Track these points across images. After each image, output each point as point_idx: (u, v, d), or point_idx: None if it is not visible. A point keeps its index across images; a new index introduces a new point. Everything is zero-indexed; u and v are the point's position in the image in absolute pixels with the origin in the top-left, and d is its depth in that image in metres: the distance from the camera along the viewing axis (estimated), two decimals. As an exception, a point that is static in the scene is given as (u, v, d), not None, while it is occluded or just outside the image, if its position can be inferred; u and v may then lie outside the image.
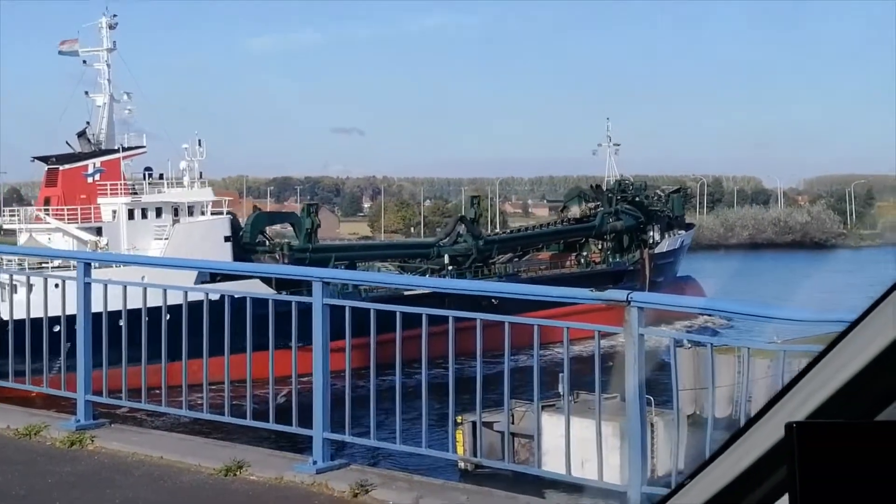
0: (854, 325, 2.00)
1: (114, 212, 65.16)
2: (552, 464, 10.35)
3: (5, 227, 69.50)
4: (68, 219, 63.66)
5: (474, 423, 28.51)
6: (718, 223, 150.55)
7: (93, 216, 64.52)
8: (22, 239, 63.76)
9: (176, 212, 66.84)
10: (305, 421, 10.35)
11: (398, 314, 9.87)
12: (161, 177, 69.09)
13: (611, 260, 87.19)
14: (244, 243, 67.59)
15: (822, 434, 1.87)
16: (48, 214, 64.08)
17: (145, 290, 11.49)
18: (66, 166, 65.78)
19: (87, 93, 68.96)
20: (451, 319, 9.69)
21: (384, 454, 17.83)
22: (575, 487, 10.18)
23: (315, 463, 9.89)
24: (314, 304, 10.16)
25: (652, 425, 14.99)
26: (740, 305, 10.28)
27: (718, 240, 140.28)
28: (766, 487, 2.07)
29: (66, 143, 67.87)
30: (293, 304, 10.58)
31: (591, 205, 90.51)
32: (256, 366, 10.42)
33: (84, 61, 68.93)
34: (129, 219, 65.33)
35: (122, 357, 11.54)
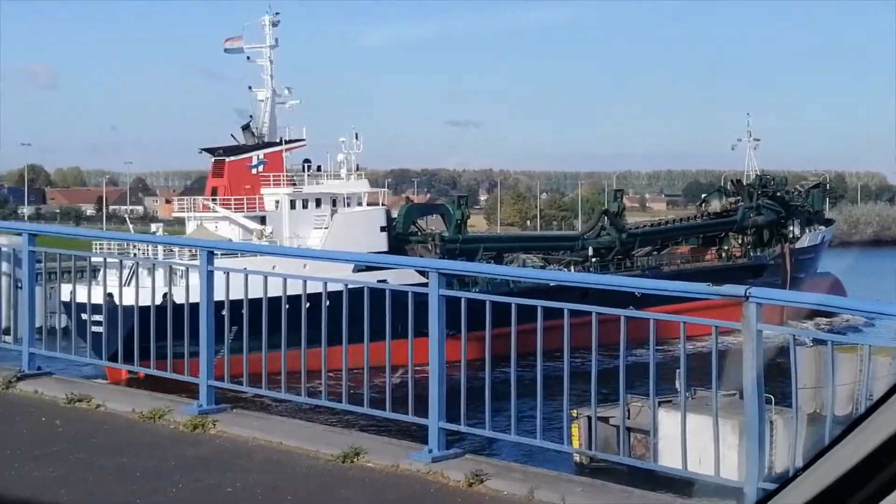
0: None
1: (276, 202, 67.70)
2: (668, 460, 10.30)
3: (174, 214, 73.40)
4: (235, 208, 66.19)
5: (589, 418, 28.41)
6: (842, 220, 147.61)
7: (257, 206, 67.09)
8: (190, 227, 66.93)
9: (334, 202, 69.18)
10: (421, 410, 10.46)
11: (513, 306, 9.91)
12: (319, 169, 71.48)
13: (751, 254, 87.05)
14: (397, 233, 69.72)
15: None
16: (216, 204, 66.59)
17: (266, 278, 11.73)
18: (232, 158, 68.58)
19: (250, 87, 71.72)
20: (566, 312, 9.70)
21: (498, 446, 17.88)
22: (690, 484, 10.11)
23: (431, 451, 9.98)
24: (430, 294, 10.25)
25: (771, 423, 14.80)
26: (857, 303, 10.12)
27: (842, 237, 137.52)
28: (881, 480, 2.07)
29: (231, 135, 71.13)
30: (409, 294, 10.68)
31: (732, 199, 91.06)
32: (377, 354, 10.55)
33: (248, 57, 71.69)
34: (291, 209, 67.83)
35: (243, 345, 11.78)
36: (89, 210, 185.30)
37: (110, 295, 12.77)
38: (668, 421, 11.22)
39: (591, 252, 78.76)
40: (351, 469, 9.87)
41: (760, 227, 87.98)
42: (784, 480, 2.33)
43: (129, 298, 13.00)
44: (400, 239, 69.64)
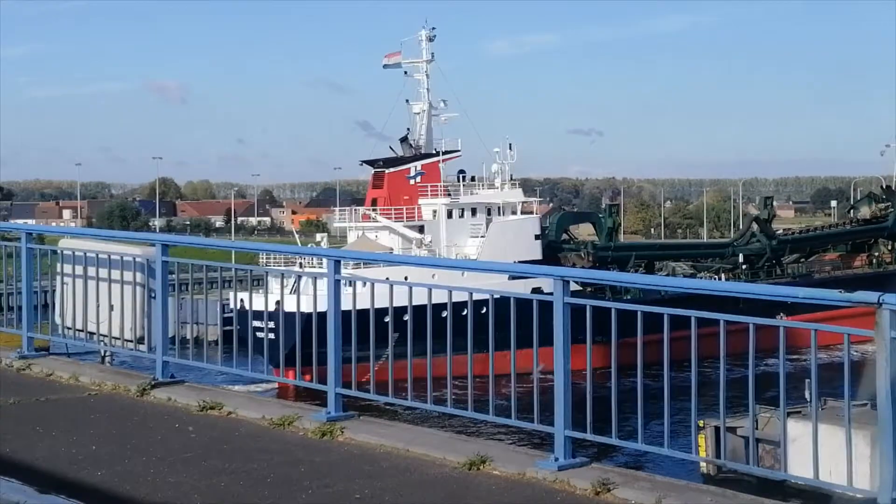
0: None
1: (434, 211, 70.14)
2: (797, 470, 10.12)
3: (336, 224, 75.83)
4: (395, 217, 68.75)
5: (716, 428, 28.05)
6: None
7: (416, 215, 69.63)
8: (352, 237, 69.55)
9: (489, 211, 71.18)
10: (546, 419, 10.45)
11: (639, 314, 9.84)
12: (473, 179, 73.59)
13: None
14: (550, 241, 71.31)
15: None
16: (377, 213, 69.06)
17: (391, 287, 11.85)
18: (391, 169, 71.21)
19: (407, 101, 74.53)
20: (693, 320, 9.61)
21: (624, 455, 17.79)
22: (821, 494, 9.94)
23: (557, 460, 9.96)
24: (555, 302, 10.23)
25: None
26: None
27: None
28: None
29: (390, 147, 73.90)
30: (534, 302, 10.67)
31: (882, 206, 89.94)
32: (505, 363, 10.58)
33: (405, 72, 74.55)
34: (448, 218, 70.16)
35: (370, 353, 11.91)
36: (218, 222, 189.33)
37: (278, 303, 12.97)
38: (797, 431, 11.01)
39: (741, 259, 78.82)
40: (477, 476, 9.91)
41: None
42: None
43: (290, 306, 13.14)
44: (553, 247, 70.97)
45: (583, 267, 68.14)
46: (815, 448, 9.09)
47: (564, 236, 75.32)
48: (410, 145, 73.47)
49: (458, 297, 11.18)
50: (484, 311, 10.61)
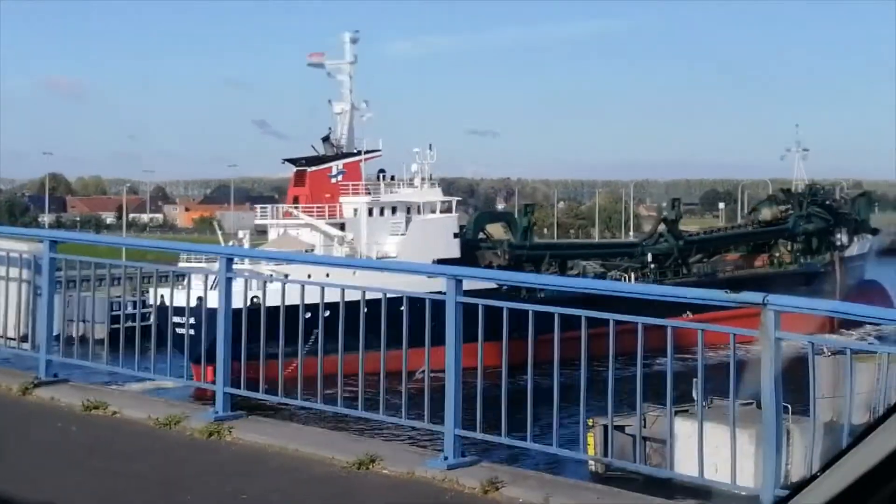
0: None
1: (355, 210, 71.37)
2: (684, 468, 10.25)
3: (257, 222, 76.73)
4: (317, 215, 69.79)
5: (605, 427, 28.18)
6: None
7: (337, 213, 70.84)
8: (273, 234, 70.52)
9: (408, 210, 72.68)
10: (437, 418, 10.44)
11: (530, 313, 9.85)
12: (392, 178, 75.13)
13: (801, 261, 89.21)
14: (467, 240, 72.89)
15: None
16: (299, 211, 70.17)
17: (284, 286, 11.77)
18: (313, 168, 72.54)
19: (329, 101, 75.82)
20: (583, 319, 9.67)
21: (514, 453, 17.84)
22: (706, 492, 10.07)
23: (446, 459, 9.95)
24: (447, 301, 10.22)
25: (788, 432, 14.72)
26: (873, 310, 10.12)
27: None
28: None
29: (312, 146, 74.91)
30: (427, 301, 10.64)
31: (782, 208, 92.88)
32: (399, 362, 10.53)
33: (328, 73, 75.79)
34: (369, 216, 71.33)
35: (260, 350, 11.78)
36: (109, 218, 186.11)
37: (199, 299, 12.70)
38: (684, 430, 11.14)
39: (650, 258, 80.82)
40: (366, 476, 9.86)
41: (810, 235, 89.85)
42: (800, 483, 2.31)
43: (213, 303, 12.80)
44: (470, 245, 72.43)
45: (499, 265, 69.59)
46: (700, 446, 9.21)
47: (481, 235, 76.80)
48: (332, 145, 74.63)
49: (371, 295, 11.09)
50: (401, 308, 10.50)
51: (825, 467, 2.21)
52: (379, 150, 76.38)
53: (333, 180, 72.51)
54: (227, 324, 11.93)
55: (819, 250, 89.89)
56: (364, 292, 11.13)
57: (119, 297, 17.30)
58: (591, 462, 22.83)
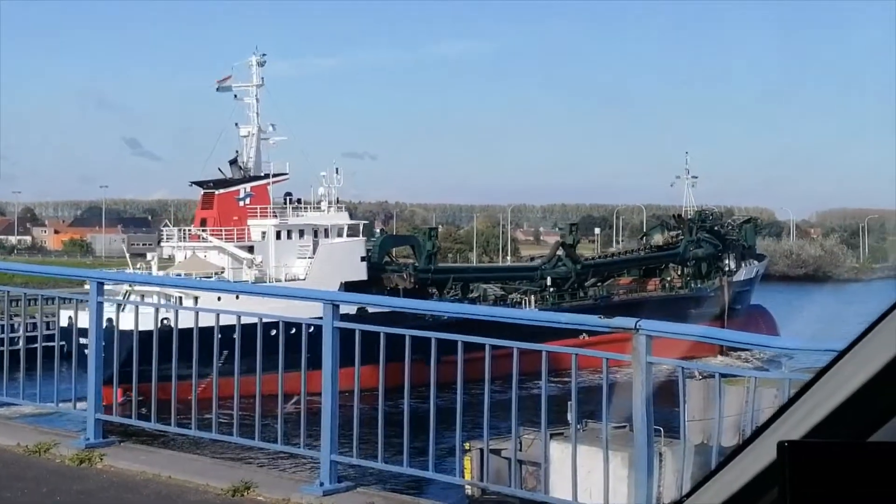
0: (849, 348, 2.04)
1: (263, 232, 71.94)
2: (559, 492, 10.35)
3: (163, 245, 75.92)
4: (225, 238, 70.21)
5: (482, 450, 28.31)
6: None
7: (245, 236, 71.35)
8: (180, 256, 70.73)
9: (315, 233, 73.47)
10: (315, 444, 10.38)
11: (407, 338, 9.86)
12: (299, 201, 75.93)
13: (692, 285, 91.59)
14: (373, 263, 73.57)
15: (814, 453, 1.90)
16: (207, 233, 70.49)
17: (157, 310, 11.62)
18: (221, 191, 72.85)
19: (237, 124, 76.34)
20: (459, 344, 9.73)
21: (391, 478, 17.84)
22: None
23: (322, 485, 9.91)
24: (324, 326, 10.20)
25: (660, 454, 14.98)
26: (740, 336, 10.42)
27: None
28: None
29: (219, 169, 75.05)
30: (303, 326, 10.60)
31: (673, 233, 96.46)
32: (271, 386, 10.44)
33: (235, 96, 76.48)
34: (277, 239, 71.96)
35: (133, 375, 11.59)
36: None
37: (109, 320, 12.38)
38: (559, 453, 11.28)
39: (549, 282, 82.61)
40: (241, 503, 9.75)
41: (700, 260, 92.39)
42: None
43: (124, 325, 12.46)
44: (376, 268, 73.20)
45: (405, 288, 71.35)
46: (573, 469, 9.31)
47: (386, 258, 77.61)
48: (240, 167, 75.03)
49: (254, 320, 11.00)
50: (292, 332, 10.41)
51: (693, 489, 2.27)
52: (286, 174, 77.20)
53: (241, 203, 72.87)
54: (98, 349, 11.74)
55: (708, 275, 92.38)
56: (239, 317, 11.04)
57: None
58: (468, 486, 22.88)
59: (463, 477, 14.04)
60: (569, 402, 9.69)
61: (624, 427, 11.57)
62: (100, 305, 11.88)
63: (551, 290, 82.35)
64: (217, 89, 76.55)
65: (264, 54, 77.50)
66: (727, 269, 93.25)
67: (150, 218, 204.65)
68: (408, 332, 9.90)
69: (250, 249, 70.87)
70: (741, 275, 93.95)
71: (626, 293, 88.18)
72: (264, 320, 10.86)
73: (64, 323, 12.91)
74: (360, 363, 10.16)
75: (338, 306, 10.34)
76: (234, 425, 11.11)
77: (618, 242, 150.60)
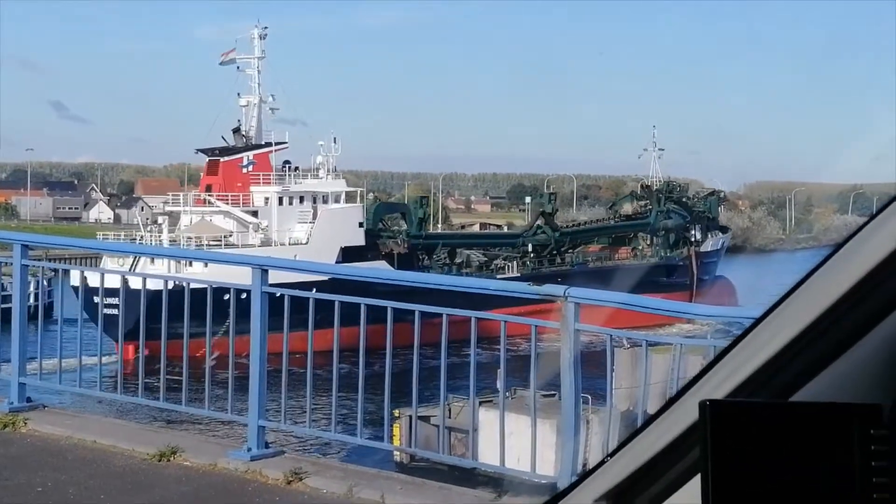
0: (769, 312, 2.06)
1: (266, 198, 75.15)
2: (487, 458, 10.42)
3: (168, 208, 78.06)
4: (231, 203, 73.41)
5: (411, 417, 28.38)
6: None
7: (249, 202, 74.51)
8: (186, 220, 73.42)
9: (314, 199, 76.63)
10: (243, 409, 10.34)
11: (336, 303, 9.81)
12: (296, 169, 79.25)
13: (662, 255, 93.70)
14: (369, 229, 76.93)
15: (735, 413, 1.92)
16: (214, 198, 73.61)
17: (83, 272, 11.51)
18: (226, 158, 76.14)
19: (239, 94, 79.65)
20: (389, 310, 9.71)
21: (320, 444, 17.85)
22: (509, 481, 10.24)
23: (249, 450, 9.87)
24: (252, 291, 10.14)
25: (588, 421, 15.11)
26: (663, 304, 10.55)
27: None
28: (682, 467, 2.13)
29: (222, 137, 78.43)
30: (231, 290, 10.51)
31: (642, 203, 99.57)
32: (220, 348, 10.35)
33: (238, 67, 79.73)
34: (279, 204, 74.96)
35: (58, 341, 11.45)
36: None
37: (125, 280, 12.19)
38: (488, 420, 11.33)
39: (530, 249, 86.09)
40: (167, 468, 9.69)
41: (669, 230, 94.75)
42: (589, 470, 2.38)
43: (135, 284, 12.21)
44: (371, 234, 76.42)
45: (399, 253, 75.39)
46: (502, 436, 9.36)
47: (380, 225, 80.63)
48: (243, 136, 78.14)
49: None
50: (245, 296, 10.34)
51: (616, 450, 2.28)
52: (286, 143, 79.99)
53: (244, 170, 75.83)
54: (22, 313, 11.60)
55: (677, 245, 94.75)
56: (166, 281, 10.96)
57: None
58: (396, 452, 22.94)
59: (391, 443, 14.08)
60: (497, 371, 9.73)
61: (553, 395, 11.64)
62: (24, 268, 11.71)
63: (532, 256, 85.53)
64: (220, 63, 79.94)
65: (266, 27, 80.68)
66: (693, 239, 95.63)
67: (76, 182, 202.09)
68: (336, 298, 9.85)
69: (255, 214, 73.94)
70: (707, 245, 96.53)
71: (598, 260, 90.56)
72: (192, 285, 10.80)
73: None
74: (288, 328, 10.12)
75: (266, 271, 10.27)
76: (160, 390, 11.02)
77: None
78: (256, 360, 10.03)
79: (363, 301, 9.82)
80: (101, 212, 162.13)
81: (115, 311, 11.04)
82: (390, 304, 9.72)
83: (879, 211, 1.97)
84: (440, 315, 9.57)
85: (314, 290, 10.23)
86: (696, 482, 1.95)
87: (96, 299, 11.85)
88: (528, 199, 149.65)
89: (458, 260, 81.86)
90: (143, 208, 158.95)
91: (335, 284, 10.61)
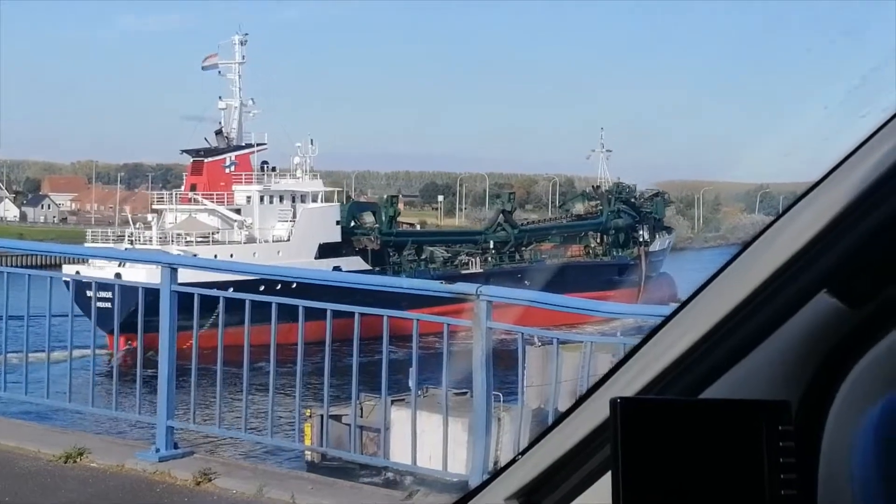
0: (681, 307, 2.07)
1: (248, 197, 78.19)
2: (399, 457, 10.40)
3: (154, 206, 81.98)
4: (216, 201, 76.38)
5: (322, 416, 28.23)
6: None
7: (233, 201, 77.48)
8: (170, 218, 76.18)
9: (293, 199, 79.61)
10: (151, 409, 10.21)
11: (247, 303, 9.72)
12: (273, 169, 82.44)
13: (614, 254, 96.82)
14: (343, 227, 79.44)
15: (645, 410, 1.92)
16: (200, 197, 76.71)
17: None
18: (210, 159, 79.37)
19: (220, 98, 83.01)
20: (301, 309, 9.64)
21: (231, 444, 17.69)
22: (421, 480, 10.24)
23: (158, 451, 9.75)
24: (161, 290, 10.01)
25: (499, 419, 15.17)
26: (570, 301, 10.66)
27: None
28: (593, 465, 2.13)
29: (205, 139, 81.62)
30: (140, 289, 10.36)
31: (593, 203, 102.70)
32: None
33: (219, 72, 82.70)
34: (260, 203, 77.99)
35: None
36: None
37: (118, 275, 11.95)
38: (400, 419, 11.31)
39: (492, 245, 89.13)
40: (73, 469, 9.53)
41: (619, 230, 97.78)
42: (506, 464, 2.37)
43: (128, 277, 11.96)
44: (346, 232, 79.12)
45: (372, 250, 78.43)
46: (413, 434, 9.35)
47: (353, 223, 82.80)
48: (225, 137, 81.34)
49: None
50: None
51: (527, 448, 2.28)
52: (265, 144, 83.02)
53: (227, 170, 79.08)
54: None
55: (626, 244, 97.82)
56: (71, 281, 10.80)
57: None
58: (307, 452, 22.83)
59: (302, 442, 14.02)
60: (409, 369, 9.72)
61: (465, 393, 11.66)
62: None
63: (493, 252, 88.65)
64: (203, 68, 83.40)
65: (246, 34, 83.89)
66: (642, 239, 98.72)
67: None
68: (247, 297, 9.77)
69: (237, 212, 76.81)
70: (656, 245, 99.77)
71: (552, 258, 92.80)
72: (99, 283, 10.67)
73: None
74: (197, 328, 10.01)
75: (175, 270, 10.15)
76: (67, 392, 10.85)
77: (461, 210, 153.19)
78: (165, 360, 9.90)
79: (274, 300, 9.76)
80: (6, 209, 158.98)
81: None
82: (301, 303, 9.64)
83: (786, 210, 1.99)
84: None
85: (230, 289, 10.13)
86: (606, 480, 1.94)
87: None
88: (440, 198, 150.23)
89: (423, 256, 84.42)
90: (49, 206, 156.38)
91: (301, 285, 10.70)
